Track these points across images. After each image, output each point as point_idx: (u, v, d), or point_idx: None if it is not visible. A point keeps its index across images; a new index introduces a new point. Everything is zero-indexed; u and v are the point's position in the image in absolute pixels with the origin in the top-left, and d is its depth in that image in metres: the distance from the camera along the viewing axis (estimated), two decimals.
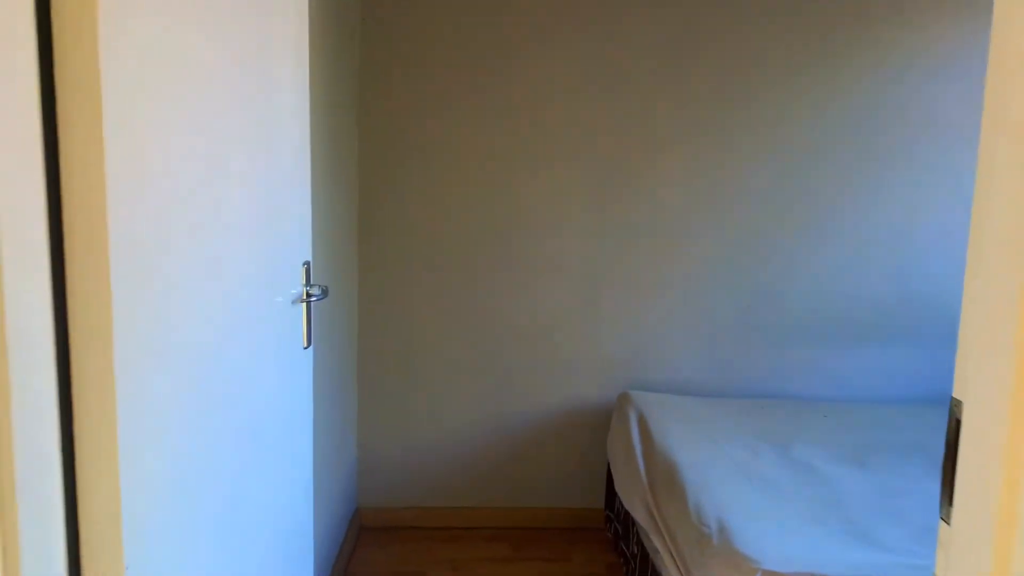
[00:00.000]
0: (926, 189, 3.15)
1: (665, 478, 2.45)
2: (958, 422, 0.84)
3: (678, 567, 2.17)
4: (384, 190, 3.07)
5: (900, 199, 3.16)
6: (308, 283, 1.70)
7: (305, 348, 1.72)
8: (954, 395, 0.86)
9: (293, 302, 1.62)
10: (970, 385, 0.82)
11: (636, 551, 2.70)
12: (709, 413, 2.96)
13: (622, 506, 2.89)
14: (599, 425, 3.23)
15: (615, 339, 3.19)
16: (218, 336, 1.23)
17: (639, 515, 2.54)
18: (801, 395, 3.24)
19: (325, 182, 2.41)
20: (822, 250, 3.17)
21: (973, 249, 0.84)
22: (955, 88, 3.10)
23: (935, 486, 2.53)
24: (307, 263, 1.70)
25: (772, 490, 2.36)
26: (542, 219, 3.11)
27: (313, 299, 1.69)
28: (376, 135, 3.04)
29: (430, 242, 3.11)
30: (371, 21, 2.99)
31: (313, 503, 1.88)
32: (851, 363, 3.25)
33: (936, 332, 3.24)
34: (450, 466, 3.26)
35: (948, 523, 0.86)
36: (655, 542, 2.36)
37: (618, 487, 2.84)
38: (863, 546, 2.06)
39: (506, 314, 3.16)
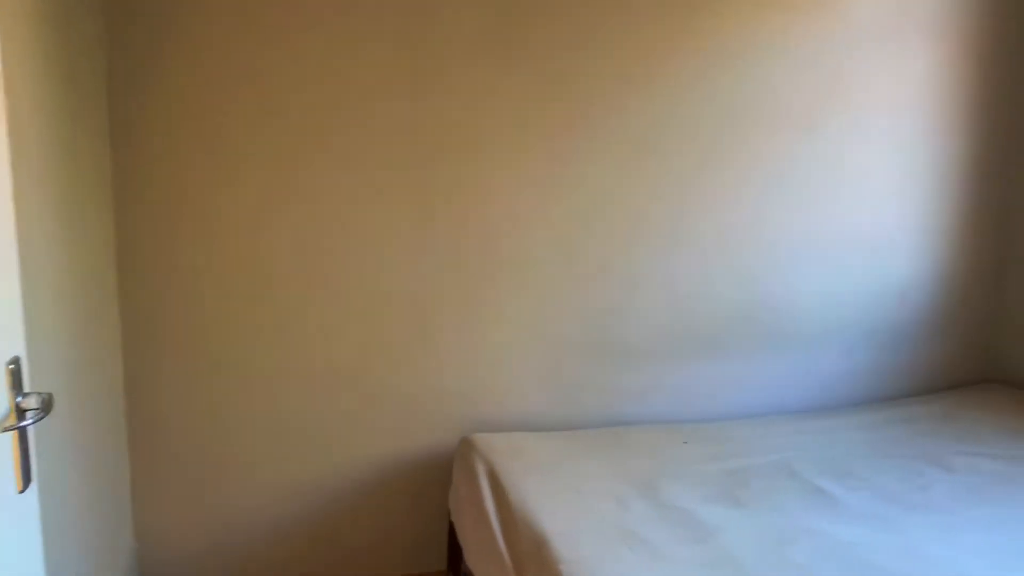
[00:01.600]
0: (767, 190, 2.93)
1: (534, 556, 2.02)
2: None
3: None
4: (149, 228, 2.41)
5: (742, 200, 2.92)
6: (19, 391, 1.09)
7: (20, 492, 1.11)
8: None
9: None
10: None
11: None
12: (565, 452, 2.57)
13: (469, 570, 2.44)
14: (439, 474, 2.75)
15: (451, 373, 2.73)
16: None
17: None
18: (658, 416, 2.94)
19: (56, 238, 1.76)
20: (670, 260, 2.87)
21: None
22: (800, 80, 2.89)
23: (819, 523, 2.29)
24: (14, 363, 1.09)
25: (654, 556, 2.00)
26: (355, 241, 2.58)
27: (28, 421, 1.08)
28: (136, 170, 2.37)
29: (220, 268, 2.49)
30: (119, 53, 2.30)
31: None
32: (703, 379, 2.99)
33: (789, 340, 3.05)
34: (259, 541, 2.66)
35: None
36: None
37: (470, 558, 2.39)
38: None
39: (322, 354, 2.60)
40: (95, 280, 2.18)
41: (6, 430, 1.05)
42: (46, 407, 1.11)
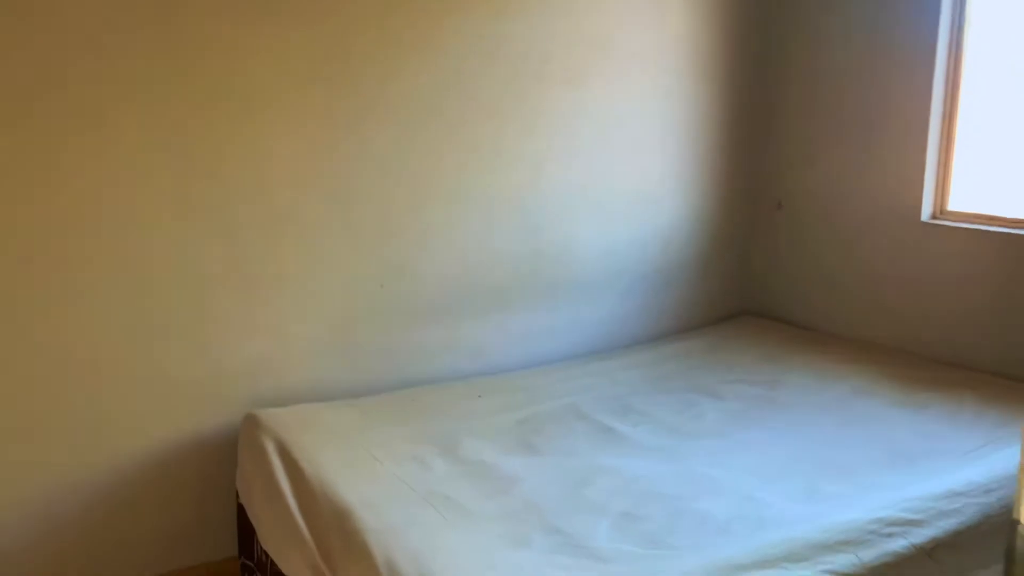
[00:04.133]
0: (546, 145, 3.00)
1: (335, 528, 1.94)
2: None
3: None
4: None
5: (522, 155, 2.96)
6: None
7: None
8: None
9: None
10: None
11: None
12: (360, 420, 2.50)
13: (266, 557, 2.31)
14: (226, 456, 2.56)
15: (230, 348, 2.53)
16: None
17: None
18: (452, 374, 2.93)
19: None
20: (455, 217, 2.86)
21: None
22: (570, 38, 2.96)
23: (610, 459, 2.39)
24: None
25: (461, 513, 2.00)
26: (110, 217, 2.30)
27: None
28: None
29: None
30: None
31: None
32: (493, 331, 3.03)
33: (570, 289, 3.16)
34: (37, 550, 2.34)
35: None
36: None
37: (264, 540, 2.25)
38: (580, 561, 1.80)
39: (79, 344, 2.31)
40: None
41: None
42: None
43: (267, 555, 2.27)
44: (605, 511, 2.03)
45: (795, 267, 3.50)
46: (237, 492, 2.52)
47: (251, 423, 2.45)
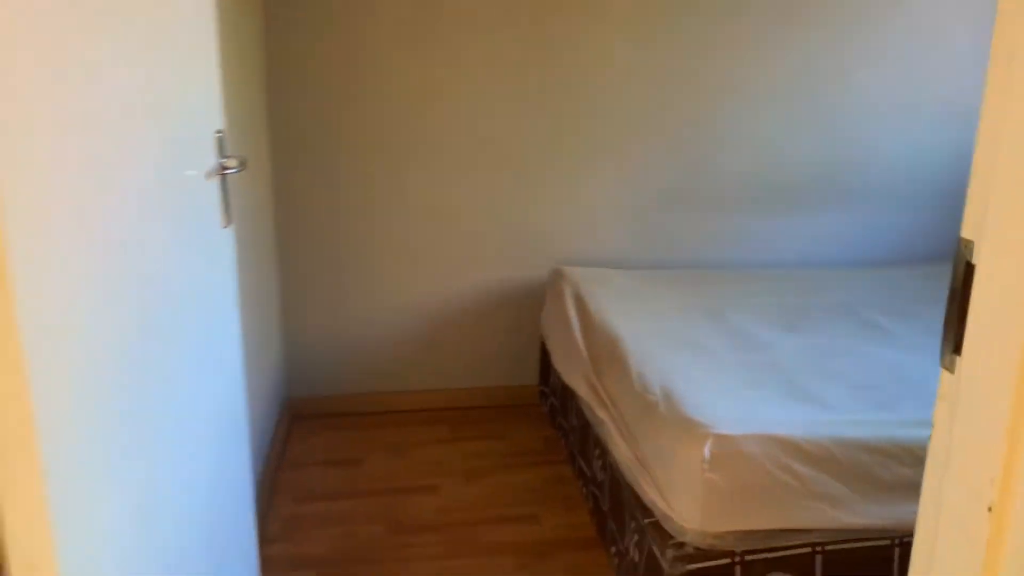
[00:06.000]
0: (855, 51, 3.09)
1: (606, 351, 2.42)
2: (968, 264, 0.78)
3: (623, 435, 2.16)
4: (296, 60, 2.82)
5: (828, 61, 3.09)
6: (223, 155, 1.52)
7: (224, 227, 1.55)
8: (963, 235, 0.79)
9: (207, 176, 1.45)
10: (988, 222, 0.75)
11: (575, 423, 2.69)
12: (644, 286, 2.93)
13: (558, 381, 2.87)
14: (531, 302, 3.16)
15: (545, 215, 3.09)
16: (125, 218, 1.06)
17: (580, 388, 2.51)
18: (733, 263, 3.24)
19: (227, 47, 2.17)
20: (754, 116, 3.11)
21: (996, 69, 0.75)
22: None
23: (866, 346, 2.58)
24: (220, 132, 1.52)
25: (710, 357, 2.35)
26: (466, 94, 2.93)
27: (230, 172, 1.51)
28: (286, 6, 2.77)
29: (346, 119, 2.90)
30: None
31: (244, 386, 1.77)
32: (782, 229, 3.25)
33: (866, 197, 3.26)
34: (382, 350, 3.16)
35: (952, 372, 0.81)
36: (598, 413, 2.34)
37: (556, 362, 2.81)
38: (804, 405, 2.08)
39: (434, 194, 3.01)
40: (251, 97, 2.60)
41: (218, 175, 1.48)
42: (242, 164, 1.54)
43: (558, 380, 2.82)
44: (844, 379, 2.25)
45: None
46: (542, 334, 3.10)
47: (556, 275, 2.99)
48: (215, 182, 1.49)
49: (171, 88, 1.29)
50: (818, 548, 1.85)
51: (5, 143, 0.76)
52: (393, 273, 3.08)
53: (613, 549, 2.24)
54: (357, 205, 2.98)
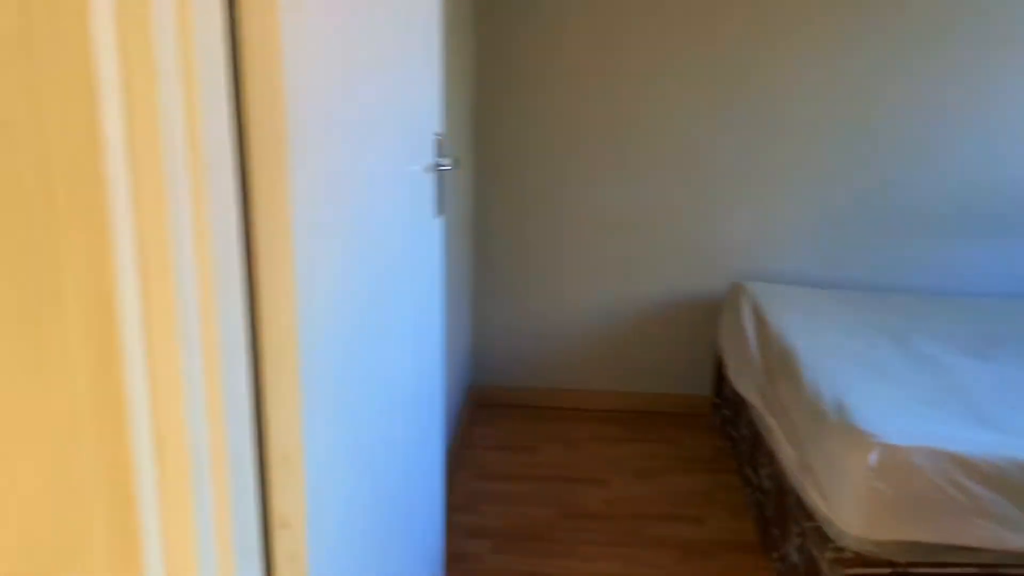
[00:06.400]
0: None
1: (780, 362, 2.47)
2: None
3: (791, 443, 2.21)
4: (502, 70, 3.08)
5: None
6: (439, 154, 1.76)
7: (436, 217, 1.79)
8: None
9: (426, 170, 1.69)
10: None
11: (746, 433, 2.75)
12: (825, 304, 2.93)
13: (732, 393, 2.93)
14: (708, 314, 3.24)
15: (728, 229, 3.17)
16: (362, 201, 1.30)
17: (751, 396, 2.57)
18: (920, 287, 3.16)
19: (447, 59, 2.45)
20: (949, 137, 3.03)
21: None
22: None
23: None
24: (439, 135, 1.76)
25: (889, 376, 2.34)
26: (658, 106, 3.07)
27: (445, 168, 1.75)
28: (497, 15, 3.04)
29: (542, 126, 3.12)
30: None
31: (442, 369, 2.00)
32: (975, 256, 3.14)
33: None
34: (562, 348, 3.35)
35: None
36: (768, 421, 2.40)
37: (730, 372, 2.88)
38: (983, 428, 2.04)
39: (620, 202, 3.17)
40: (463, 110, 2.89)
41: (433, 171, 1.72)
42: (456, 164, 1.78)
43: (732, 392, 2.89)
44: None
45: None
46: (718, 346, 3.17)
47: (736, 289, 3.06)
48: (431, 177, 1.73)
49: (407, 95, 1.54)
50: (987, 570, 1.83)
51: (301, 139, 1.00)
52: (578, 274, 3.27)
53: (775, 554, 2.29)
54: (548, 206, 3.20)
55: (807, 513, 2.02)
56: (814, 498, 1.97)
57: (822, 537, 1.92)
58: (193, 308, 0.89)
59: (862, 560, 1.83)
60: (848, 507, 1.84)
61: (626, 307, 3.28)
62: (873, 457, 1.81)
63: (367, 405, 1.37)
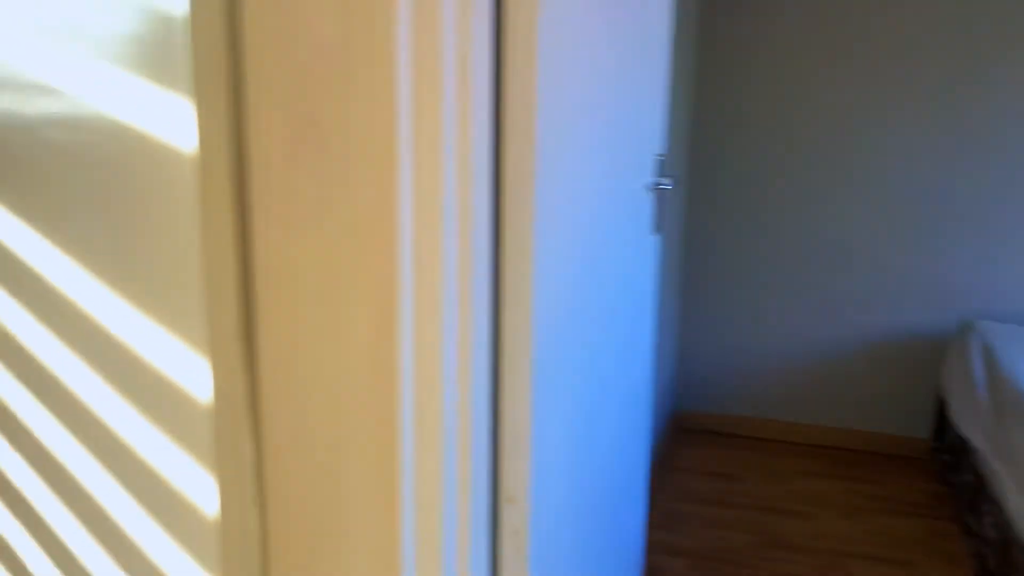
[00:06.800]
0: None
1: (1012, 405, 2.31)
2: None
3: (1021, 492, 2.07)
4: (722, 92, 3.12)
5: None
6: (660, 174, 1.85)
7: (653, 235, 1.87)
8: None
9: (647, 189, 1.78)
10: None
11: (968, 479, 2.58)
12: None
13: (954, 436, 2.76)
14: (930, 353, 3.07)
15: (956, 264, 3.00)
16: (588, 215, 1.41)
17: (977, 440, 2.42)
18: None
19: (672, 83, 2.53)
20: None
21: None
22: None
23: None
24: (661, 156, 1.84)
25: None
26: (886, 136, 2.98)
27: (665, 187, 1.83)
28: (718, 40, 3.09)
29: (766, 150, 3.12)
30: None
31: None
32: None
33: None
34: (770, 377, 3.30)
35: None
36: (995, 467, 2.26)
37: (954, 414, 2.71)
38: None
39: (840, 230, 3.09)
40: (679, 123, 2.95)
41: (653, 189, 1.81)
42: (675, 183, 1.85)
43: (955, 436, 2.73)
44: None
45: None
46: (941, 387, 2.99)
47: (966, 328, 2.88)
48: (651, 195, 1.82)
49: (633, 115, 1.64)
50: None
51: (546, 150, 1.12)
52: (791, 301, 3.21)
53: None
54: (763, 231, 3.18)
55: None
56: None
57: None
58: (453, 293, 1.02)
59: None
60: None
61: (841, 339, 3.18)
62: None
63: (583, 402, 1.47)
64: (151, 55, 1.03)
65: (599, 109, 1.36)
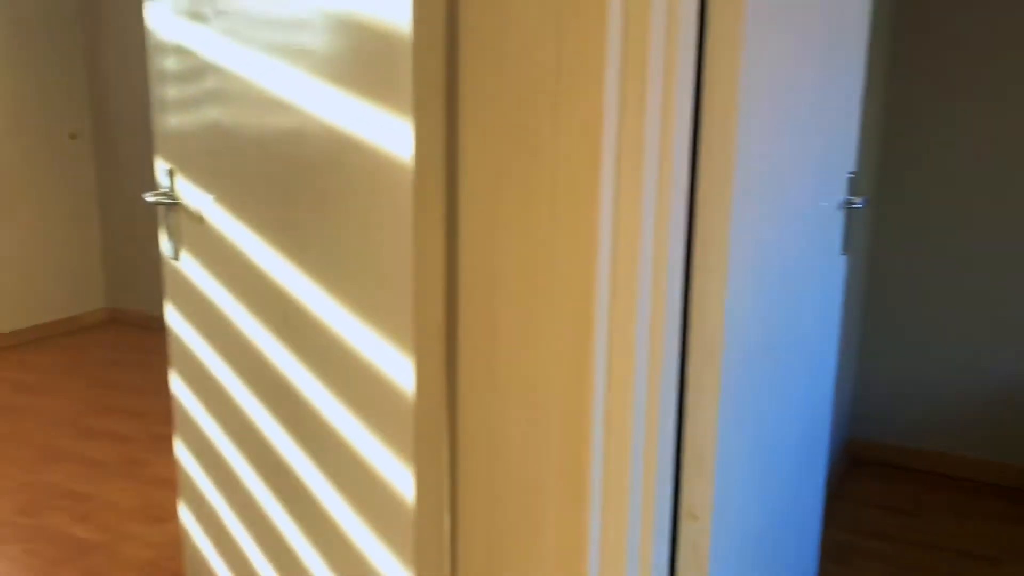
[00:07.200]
0: None
1: None
2: None
3: None
4: (916, 104, 2.96)
5: None
6: (851, 193, 1.79)
7: (840, 255, 1.81)
8: None
9: (837, 207, 1.73)
10: None
11: None
12: None
13: None
14: None
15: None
16: (779, 232, 1.39)
17: None
18: None
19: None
20: None
21: None
22: None
23: None
24: (852, 174, 1.79)
25: None
26: None
27: (855, 206, 1.77)
28: (909, 57, 2.95)
29: (961, 174, 2.94)
30: None
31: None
32: None
33: None
34: (957, 410, 3.09)
35: None
36: None
37: None
38: None
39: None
40: (869, 151, 2.83)
41: (843, 208, 1.75)
42: (866, 203, 1.79)
43: None
44: None
45: None
46: None
47: None
48: (840, 214, 1.77)
49: (826, 131, 1.60)
50: None
51: (744, 164, 1.12)
52: (981, 330, 3.00)
53: None
54: (954, 255, 2.99)
55: None
56: None
57: None
58: (647, 303, 1.05)
59: None
60: None
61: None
62: None
63: (765, 423, 1.45)
64: (374, 75, 1.11)
65: (795, 128, 1.35)
